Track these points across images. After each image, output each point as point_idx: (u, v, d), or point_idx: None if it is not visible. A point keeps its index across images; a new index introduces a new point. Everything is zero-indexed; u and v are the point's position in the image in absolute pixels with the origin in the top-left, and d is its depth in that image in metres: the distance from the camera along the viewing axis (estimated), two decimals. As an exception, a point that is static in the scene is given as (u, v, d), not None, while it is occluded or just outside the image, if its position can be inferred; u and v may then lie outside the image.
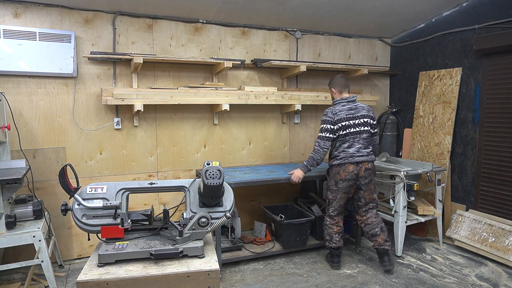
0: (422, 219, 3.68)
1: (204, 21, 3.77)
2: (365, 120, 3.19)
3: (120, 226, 1.87)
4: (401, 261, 3.47)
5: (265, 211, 3.81)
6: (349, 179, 3.12)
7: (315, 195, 4.24)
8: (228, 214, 1.92)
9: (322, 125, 3.17)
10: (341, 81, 3.26)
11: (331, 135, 3.12)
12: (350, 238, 3.87)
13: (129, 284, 1.61)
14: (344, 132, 3.13)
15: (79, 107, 3.37)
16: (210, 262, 1.77)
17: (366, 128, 3.19)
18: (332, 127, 3.12)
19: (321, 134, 3.15)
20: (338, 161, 3.13)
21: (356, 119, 3.16)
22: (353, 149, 3.13)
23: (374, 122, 3.28)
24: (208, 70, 3.84)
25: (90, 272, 1.65)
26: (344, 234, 3.90)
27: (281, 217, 3.53)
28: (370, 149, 3.22)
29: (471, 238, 3.60)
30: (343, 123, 3.12)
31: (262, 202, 4.21)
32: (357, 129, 3.15)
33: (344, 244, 3.84)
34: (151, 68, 3.60)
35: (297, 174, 3.27)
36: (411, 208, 3.80)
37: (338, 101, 3.23)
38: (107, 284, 1.60)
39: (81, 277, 1.61)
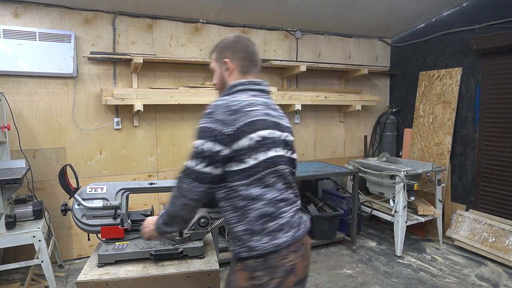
0: (422, 219, 3.68)
1: (204, 21, 3.77)
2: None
3: (120, 226, 1.87)
4: (401, 261, 3.47)
5: None
6: None
7: (311, 194, 4.23)
8: (228, 214, 1.91)
9: None
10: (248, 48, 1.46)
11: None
12: (346, 237, 3.87)
13: (129, 284, 1.61)
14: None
15: (79, 107, 3.37)
16: (210, 263, 1.77)
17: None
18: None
19: None
20: None
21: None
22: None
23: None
24: (208, 70, 3.84)
25: (90, 272, 1.65)
26: (340, 233, 3.91)
27: None
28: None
29: (471, 238, 3.60)
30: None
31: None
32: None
33: (341, 243, 3.86)
34: (151, 68, 3.60)
35: None
36: (411, 208, 3.80)
37: (240, 86, 1.42)
38: (107, 284, 1.59)
39: (81, 277, 1.60)
